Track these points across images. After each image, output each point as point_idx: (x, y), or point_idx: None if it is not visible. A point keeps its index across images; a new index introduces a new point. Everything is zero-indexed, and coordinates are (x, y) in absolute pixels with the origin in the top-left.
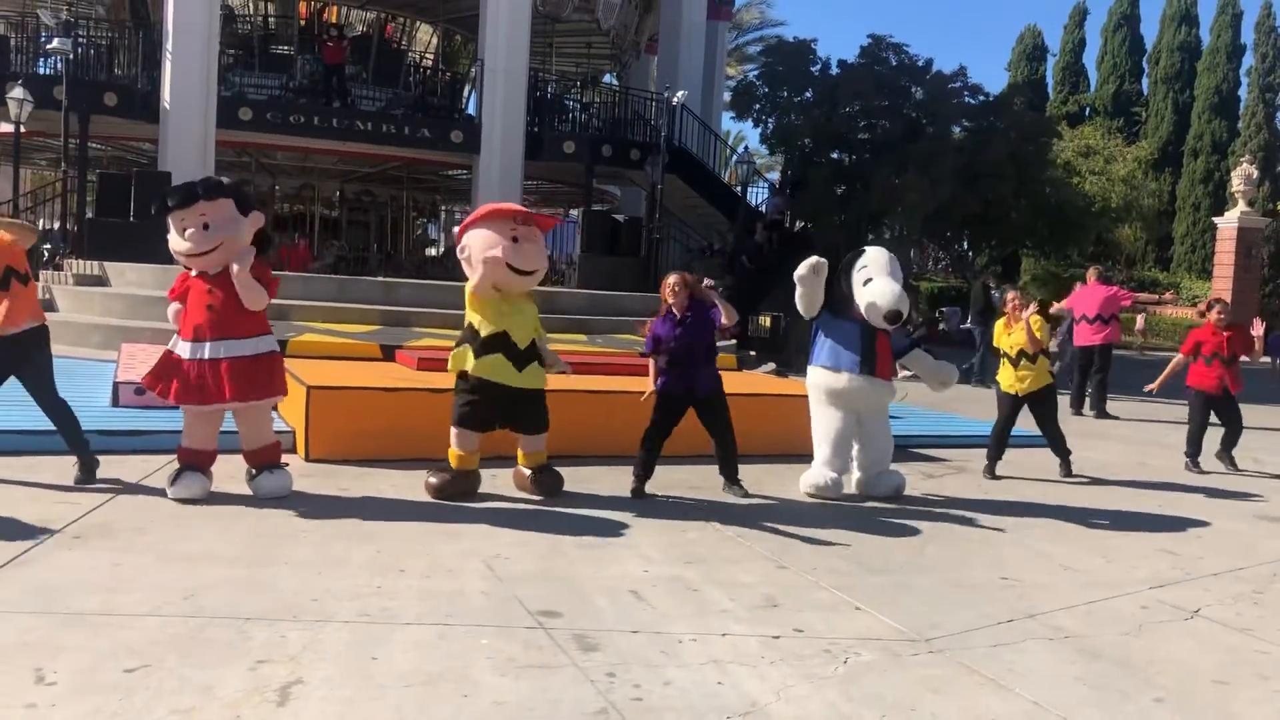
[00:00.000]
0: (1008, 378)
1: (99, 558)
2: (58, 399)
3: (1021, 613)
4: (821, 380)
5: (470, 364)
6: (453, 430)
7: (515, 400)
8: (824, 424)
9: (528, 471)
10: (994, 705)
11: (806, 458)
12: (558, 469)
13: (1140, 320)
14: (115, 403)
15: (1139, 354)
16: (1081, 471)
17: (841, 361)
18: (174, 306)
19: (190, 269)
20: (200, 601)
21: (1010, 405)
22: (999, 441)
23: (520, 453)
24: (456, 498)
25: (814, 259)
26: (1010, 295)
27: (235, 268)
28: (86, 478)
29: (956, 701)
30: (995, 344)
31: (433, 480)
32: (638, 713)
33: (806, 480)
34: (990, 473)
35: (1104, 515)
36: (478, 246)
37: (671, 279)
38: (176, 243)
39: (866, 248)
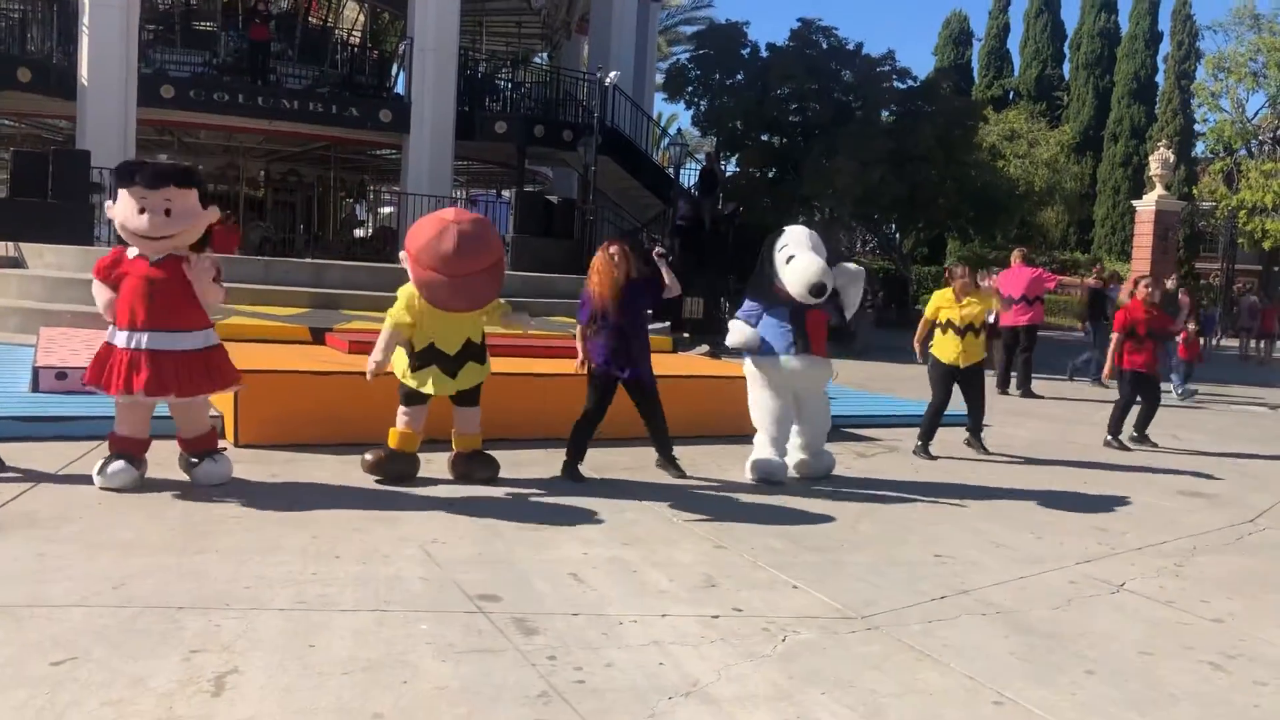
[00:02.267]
0: (951, 350)
1: (22, 548)
2: None
3: (955, 589)
4: (759, 363)
5: (405, 376)
6: (401, 408)
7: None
8: (764, 406)
9: (462, 454)
10: (931, 680)
11: (742, 439)
12: (492, 453)
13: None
14: (35, 388)
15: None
16: (1009, 449)
17: (776, 343)
18: (105, 295)
19: (130, 249)
20: (129, 591)
21: (949, 379)
22: (935, 419)
23: (454, 434)
24: (394, 480)
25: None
26: (960, 270)
27: (202, 264)
28: None
29: (894, 677)
30: (935, 317)
31: (368, 457)
32: (580, 695)
33: (754, 464)
34: (924, 451)
35: (1033, 493)
36: (413, 249)
37: (613, 248)
38: (130, 219)
39: (786, 227)
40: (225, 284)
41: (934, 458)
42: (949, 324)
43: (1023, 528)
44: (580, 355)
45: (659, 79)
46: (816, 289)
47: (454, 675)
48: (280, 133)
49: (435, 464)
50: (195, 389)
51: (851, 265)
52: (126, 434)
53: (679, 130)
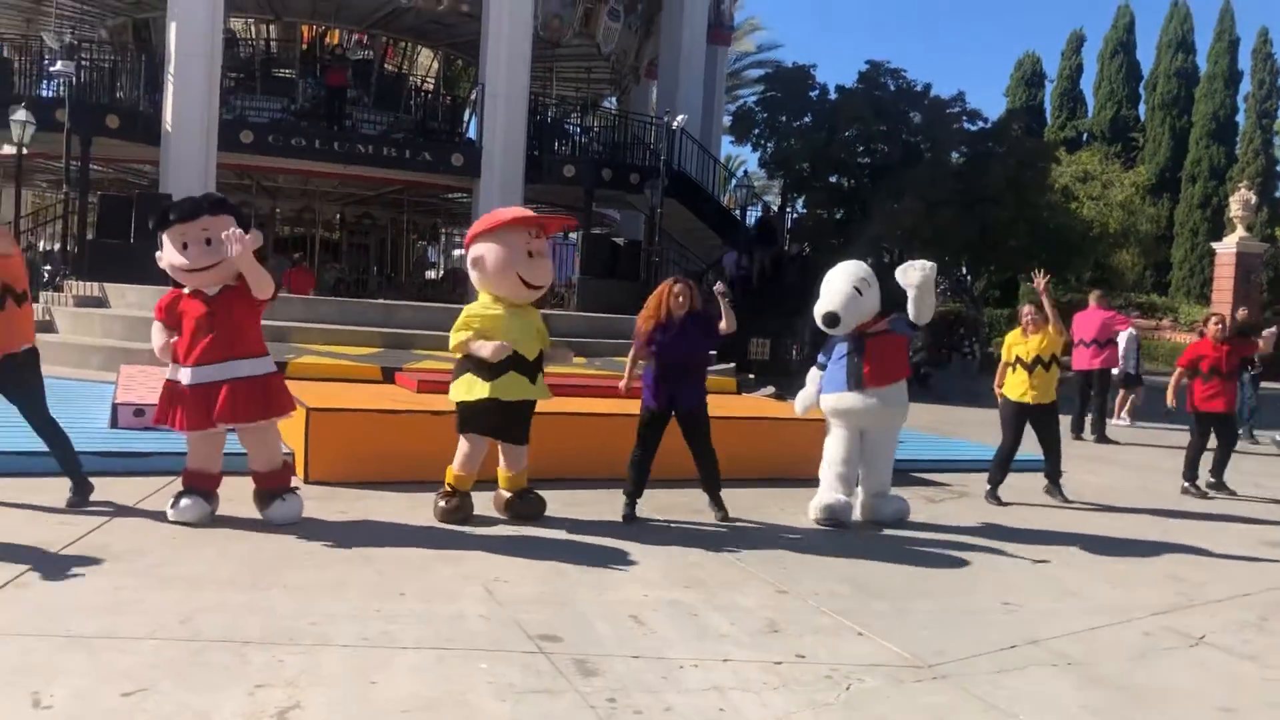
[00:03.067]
0: (1019, 386)
1: (97, 580)
2: (50, 420)
3: (1025, 639)
4: (826, 403)
5: (485, 389)
6: (461, 441)
7: (520, 411)
8: (832, 446)
9: (508, 495)
10: None
11: (807, 482)
12: (552, 492)
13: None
14: (114, 424)
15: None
16: (1082, 496)
17: (833, 380)
18: (161, 337)
19: (185, 286)
20: (198, 625)
21: (1019, 419)
22: (1005, 463)
23: (501, 474)
24: (463, 521)
25: (924, 263)
26: (1025, 309)
27: (236, 248)
28: (80, 500)
29: None
30: (1006, 356)
31: (442, 504)
32: None
33: (816, 504)
34: (994, 496)
35: (1107, 540)
36: (492, 258)
37: (678, 286)
38: (174, 257)
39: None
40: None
41: (1004, 504)
42: (1018, 360)
43: (1096, 576)
44: (625, 377)
45: (726, 121)
46: (826, 319)
47: (512, 715)
48: (355, 177)
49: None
50: (257, 414)
51: (917, 263)
52: (198, 469)
53: (745, 173)
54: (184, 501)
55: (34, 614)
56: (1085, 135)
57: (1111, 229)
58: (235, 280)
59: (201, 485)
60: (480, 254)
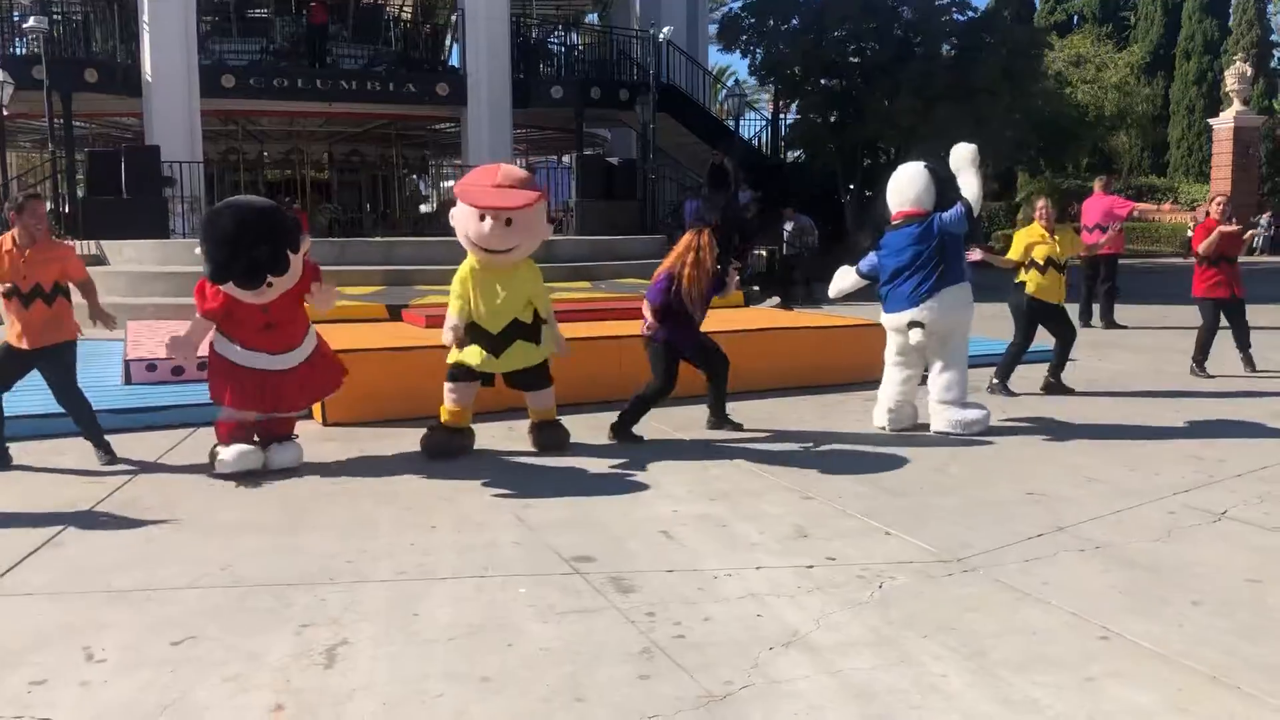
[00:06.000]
0: (1050, 288)
1: (131, 534)
2: (76, 396)
3: (1050, 526)
4: (888, 321)
5: (452, 355)
6: (446, 385)
7: (509, 374)
8: (889, 354)
9: (531, 423)
10: (1034, 618)
11: (820, 389)
12: (571, 417)
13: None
14: (127, 380)
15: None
16: (1095, 383)
17: (898, 299)
18: (201, 329)
19: None
20: (237, 571)
21: (1038, 317)
22: (1017, 358)
23: (529, 407)
24: (450, 454)
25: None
26: (1040, 203)
27: (327, 293)
28: (111, 459)
29: (995, 617)
30: (1023, 256)
31: (426, 437)
32: (681, 649)
33: (876, 412)
34: (1004, 389)
35: (1123, 426)
36: (459, 227)
37: (707, 238)
38: (238, 294)
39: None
40: None
41: (1014, 394)
42: (1049, 261)
43: (1115, 461)
44: (647, 319)
45: (712, 30)
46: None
47: (556, 636)
48: (340, 114)
49: (518, 431)
50: (319, 394)
51: (962, 146)
52: (241, 419)
53: (736, 81)
54: (236, 450)
55: (74, 572)
56: (1075, 18)
57: (1108, 112)
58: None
59: (246, 434)
60: (453, 212)
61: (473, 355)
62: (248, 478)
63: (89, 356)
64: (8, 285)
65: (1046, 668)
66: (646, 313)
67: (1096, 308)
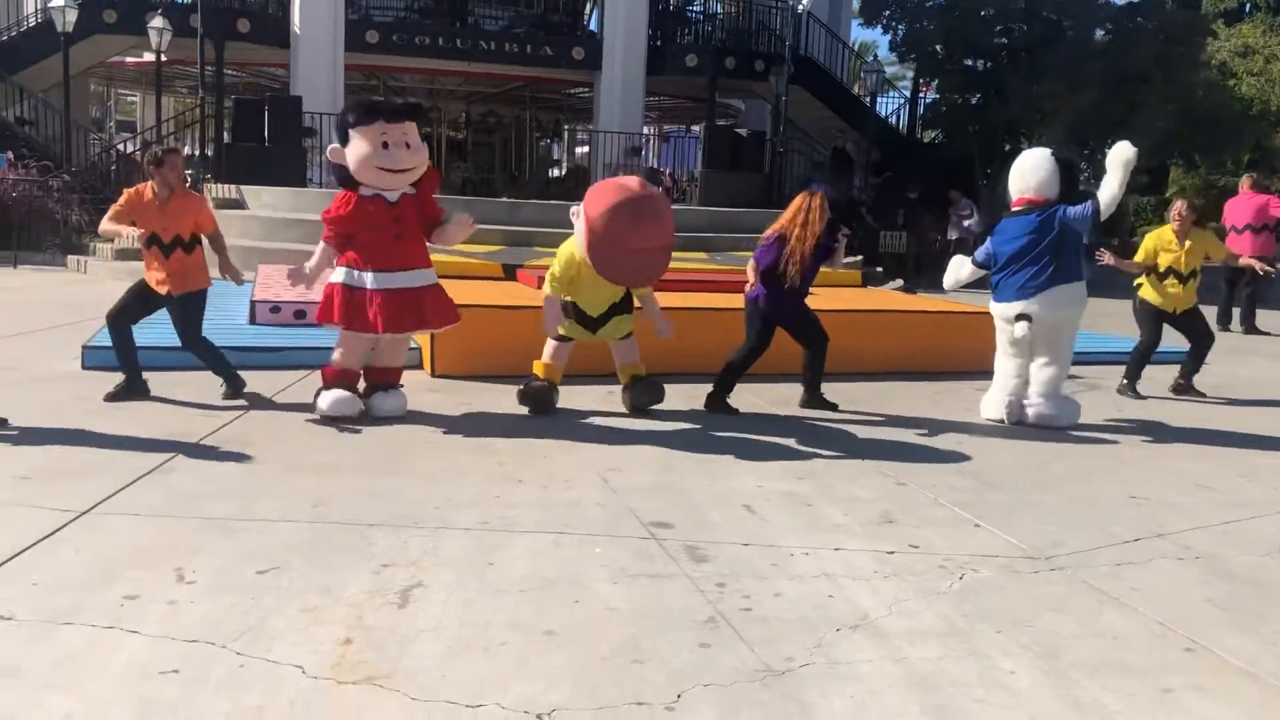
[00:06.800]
0: (1166, 296)
1: (234, 467)
2: (203, 338)
3: (1150, 532)
4: (997, 310)
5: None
6: (549, 342)
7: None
8: (1000, 344)
9: (625, 382)
10: (1115, 623)
11: (932, 375)
12: (666, 384)
13: None
14: (252, 320)
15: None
16: (1226, 389)
17: (1007, 289)
18: (325, 259)
19: (363, 190)
20: (327, 509)
21: (1160, 320)
22: (1144, 358)
23: (618, 367)
24: (546, 407)
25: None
26: (1179, 204)
27: (464, 221)
28: (234, 393)
29: (1076, 618)
30: (1148, 256)
31: (522, 387)
32: (746, 622)
33: (985, 403)
34: (1131, 390)
35: (1247, 435)
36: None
37: (819, 201)
38: (376, 155)
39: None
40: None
41: (1141, 397)
42: (1171, 270)
43: (1232, 470)
44: (751, 279)
45: (855, 4)
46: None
47: (624, 597)
48: (479, 74)
49: (616, 395)
50: (447, 319)
51: (1124, 145)
52: (347, 366)
53: (875, 58)
54: (336, 395)
55: (176, 498)
56: (1248, 6)
57: (1274, 106)
58: (414, 188)
59: (348, 381)
60: (574, 209)
61: (571, 330)
62: (351, 421)
63: (220, 296)
64: (147, 234)
65: (1122, 674)
66: (750, 272)
67: (1237, 311)
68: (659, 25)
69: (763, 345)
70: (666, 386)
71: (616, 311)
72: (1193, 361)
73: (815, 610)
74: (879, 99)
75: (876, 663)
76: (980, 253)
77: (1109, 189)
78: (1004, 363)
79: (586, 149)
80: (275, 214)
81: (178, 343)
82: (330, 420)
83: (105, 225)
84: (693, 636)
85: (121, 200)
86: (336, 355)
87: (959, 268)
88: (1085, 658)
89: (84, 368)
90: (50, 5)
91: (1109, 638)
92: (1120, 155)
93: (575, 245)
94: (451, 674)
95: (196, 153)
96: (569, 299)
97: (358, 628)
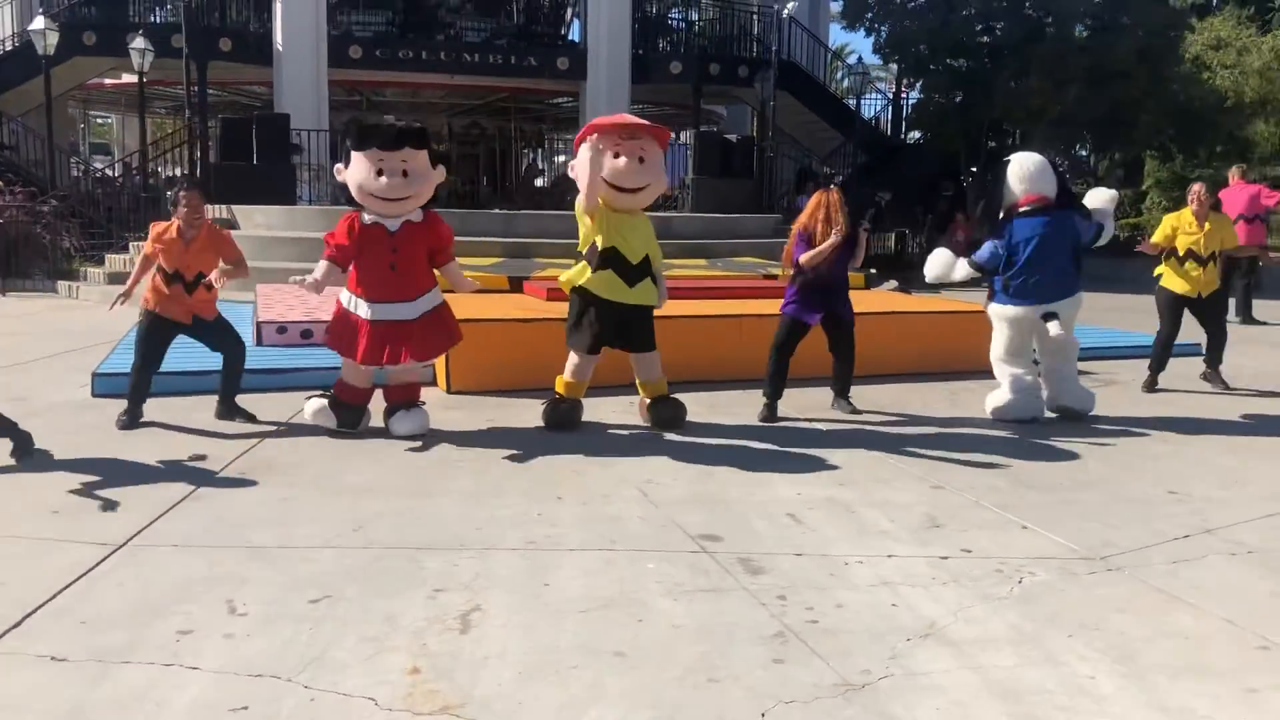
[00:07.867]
0: (1191, 282)
1: (266, 493)
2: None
3: (1197, 528)
4: (1000, 312)
5: (585, 278)
6: (570, 355)
7: (626, 316)
8: (999, 344)
9: (648, 401)
10: (1185, 623)
11: (944, 375)
12: (692, 395)
13: None
14: (259, 342)
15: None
16: (1237, 380)
17: (1018, 293)
18: (327, 276)
19: (364, 215)
20: (370, 533)
21: (1179, 307)
22: (1166, 351)
23: (639, 383)
24: (571, 426)
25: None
26: (1196, 187)
27: (470, 285)
28: (249, 417)
29: (1144, 619)
30: (1165, 241)
31: (547, 407)
32: (816, 635)
33: (991, 402)
34: (1152, 384)
35: (1272, 424)
36: (582, 163)
37: (836, 196)
38: (369, 182)
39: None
40: None
41: (1162, 390)
42: (1190, 253)
43: (1265, 460)
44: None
45: (835, 7)
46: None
47: (687, 614)
48: (462, 86)
49: (635, 406)
50: (440, 348)
51: (1103, 190)
52: (352, 384)
53: (860, 60)
54: (316, 405)
55: (215, 526)
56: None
57: (1248, 99)
58: (417, 216)
59: (355, 399)
60: (574, 160)
61: (603, 283)
62: (375, 440)
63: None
64: (170, 270)
65: (1202, 676)
66: (788, 266)
67: (1233, 302)
68: (641, 33)
69: (791, 348)
70: (685, 396)
71: (649, 273)
72: (1213, 352)
73: (881, 620)
74: (862, 101)
75: (954, 673)
76: (984, 254)
77: (1108, 232)
78: (1010, 362)
79: (569, 158)
80: (269, 232)
81: (189, 368)
82: (350, 435)
83: (133, 283)
84: (764, 652)
85: (148, 243)
86: (342, 372)
87: (949, 267)
88: (1162, 660)
89: (94, 395)
90: (30, 28)
91: (1181, 638)
92: (1106, 199)
93: (582, 198)
94: (528, 700)
95: (182, 173)
96: (609, 245)
97: (423, 655)
